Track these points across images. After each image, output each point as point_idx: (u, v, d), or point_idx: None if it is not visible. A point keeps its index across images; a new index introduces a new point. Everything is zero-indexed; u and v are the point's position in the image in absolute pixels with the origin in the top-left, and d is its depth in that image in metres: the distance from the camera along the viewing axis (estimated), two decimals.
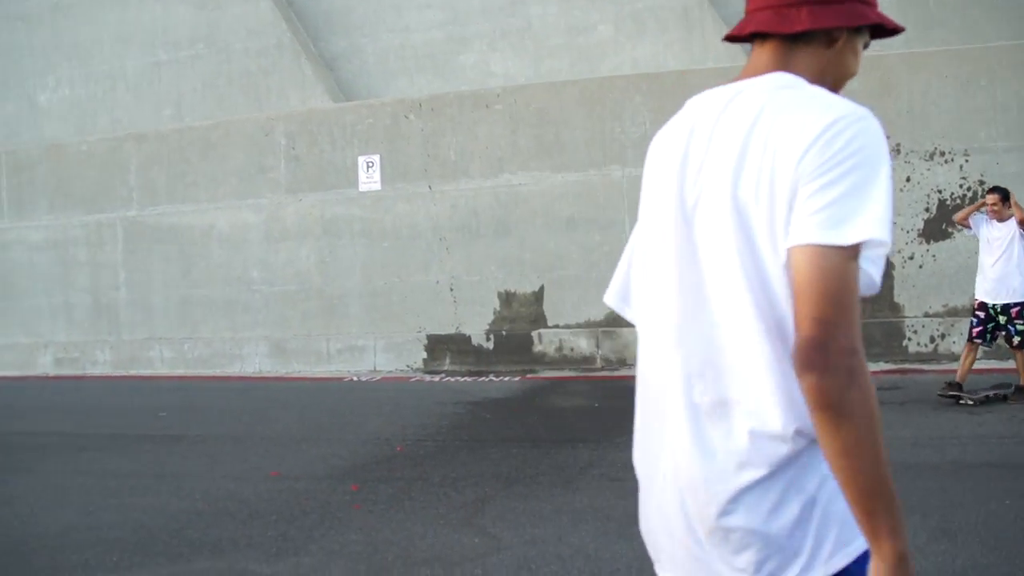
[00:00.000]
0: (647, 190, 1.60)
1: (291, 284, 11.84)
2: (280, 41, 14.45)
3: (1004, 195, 7.49)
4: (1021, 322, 7.30)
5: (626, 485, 5.37)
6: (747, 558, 1.41)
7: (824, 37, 1.51)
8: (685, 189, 1.48)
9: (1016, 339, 7.28)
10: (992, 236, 7.44)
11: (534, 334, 10.99)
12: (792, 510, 1.39)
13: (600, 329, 10.79)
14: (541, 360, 10.92)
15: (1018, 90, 9.78)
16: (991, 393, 7.31)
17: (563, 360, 10.85)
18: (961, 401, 7.24)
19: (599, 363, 10.75)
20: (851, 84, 1.64)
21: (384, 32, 14.43)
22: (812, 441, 1.36)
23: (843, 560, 1.39)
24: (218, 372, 11.88)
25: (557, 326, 10.95)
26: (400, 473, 6.05)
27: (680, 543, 1.49)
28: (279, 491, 5.68)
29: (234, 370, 11.89)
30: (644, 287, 1.59)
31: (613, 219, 10.79)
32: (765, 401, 1.39)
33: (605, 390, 9.29)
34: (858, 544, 1.38)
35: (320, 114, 12.16)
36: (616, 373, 10.42)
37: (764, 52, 1.53)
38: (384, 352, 11.43)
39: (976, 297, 7.58)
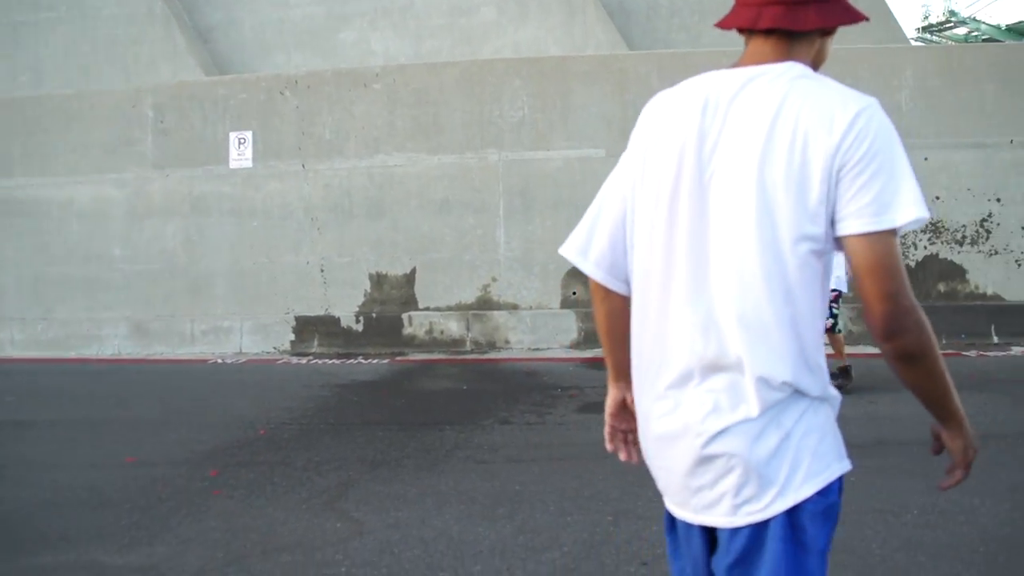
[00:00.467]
0: (650, 158, 1.73)
1: (155, 263, 11.44)
2: (151, 9, 13.91)
3: None
4: (837, 307, 7.68)
5: (491, 467, 5.45)
6: (729, 482, 1.63)
7: (819, 31, 1.71)
8: (701, 162, 1.64)
9: (830, 320, 7.65)
10: None
11: (404, 316, 10.95)
12: (771, 442, 1.61)
13: (471, 312, 10.84)
14: (411, 343, 10.89)
15: (877, 92, 10.20)
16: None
17: (433, 343, 10.84)
18: None
19: (468, 346, 10.80)
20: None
21: (263, 5, 14.08)
22: (795, 390, 1.63)
23: (811, 488, 1.63)
24: (74, 355, 11.39)
25: (428, 309, 10.93)
26: (262, 457, 5.94)
27: (675, 474, 1.72)
28: (134, 478, 5.50)
29: (91, 352, 11.41)
30: (644, 246, 1.74)
31: (487, 202, 10.83)
32: (764, 356, 1.60)
33: (474, 373, 9.34)
34: (826, 475, 1.65)
35: (191, 87, 11.76)
36: (485, 356, 10.49)
37: (769, 43, 1.69)
38: (251, 334, 11.18)
39: None
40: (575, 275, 10.50)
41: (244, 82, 11.59)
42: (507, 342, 10.74)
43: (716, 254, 1.63)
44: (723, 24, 1.75)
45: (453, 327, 10.86)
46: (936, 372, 1.59)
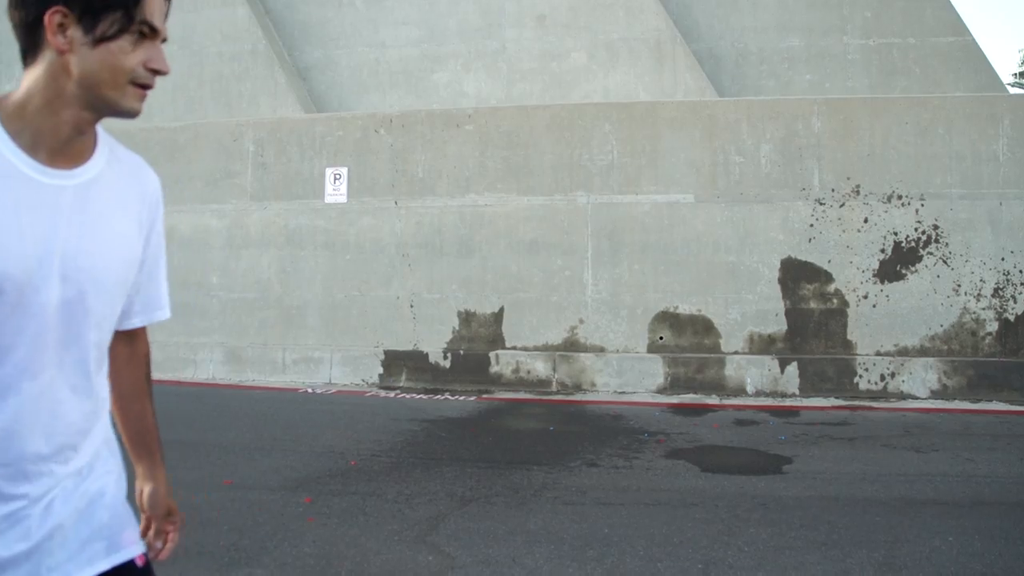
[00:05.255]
0: None
1: (250, 292, 11.77)
2: (255, 48, 14.44)
3: None
4: None
5: (580, 509, 5.46)
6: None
7: None
8: None
9: None
10: None
11: (492, 355, 11.04)
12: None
13: (557, 353, 10.87)
14: (498, 381, 10.96)
15: (972, 140, 10.08)
16: None
17: (519, 382, 10.90)
18: None
19: (555, 387, 10.82)
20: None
21: (360, 46, 14.49)
22: None
23: None
24: (171, 376, 11.75)
25: (515, 348, 11.00)
26: (354, 487, 6.05)
27: None
28: (231, 500, 5.66)
29: (187, 375, 11.77)
30: None
31: (575, 244, 10.90)
32: None
33: (560, 414, 9.33)
34: None
35: (290, 123, 12.15)
36: (571, 397, 10.48)
37: None
38: (340, 365, 11.40)
39: None
40: (662, 320, 10.47)
41: (341, 119, 11.93)
42: (593, 384, 10.73)
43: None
44: None
45: (540, 367, 10.92)
46: None
